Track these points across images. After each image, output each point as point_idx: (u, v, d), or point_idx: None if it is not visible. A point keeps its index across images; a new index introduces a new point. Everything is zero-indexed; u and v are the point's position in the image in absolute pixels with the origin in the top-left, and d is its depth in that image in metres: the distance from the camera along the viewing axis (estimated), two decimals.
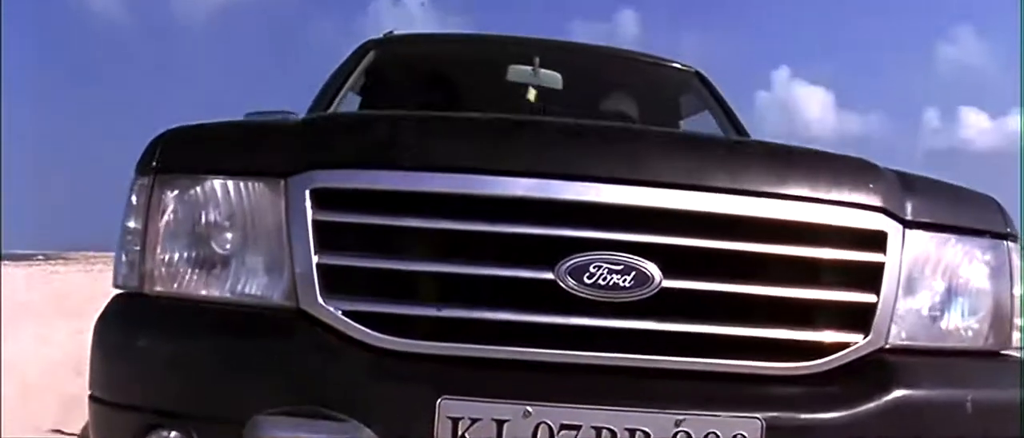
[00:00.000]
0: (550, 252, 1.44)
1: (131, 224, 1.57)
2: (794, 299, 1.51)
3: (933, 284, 1.62)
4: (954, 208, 1.68)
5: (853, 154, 1.71)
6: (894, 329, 1.56)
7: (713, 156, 1.60)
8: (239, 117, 2.94)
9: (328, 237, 1.47)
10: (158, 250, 1.54)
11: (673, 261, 1.46)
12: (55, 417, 4.19)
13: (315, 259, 1.45)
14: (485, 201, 1.46)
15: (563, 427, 1.37)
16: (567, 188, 1.47)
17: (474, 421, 1.37)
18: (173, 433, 1.45)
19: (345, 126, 1.66)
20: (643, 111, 3.60)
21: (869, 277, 1.55)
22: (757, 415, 1.41)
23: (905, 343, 1.58)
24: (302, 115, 3.01)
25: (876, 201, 1.57)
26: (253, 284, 1.51)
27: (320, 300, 1.45)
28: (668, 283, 1.45)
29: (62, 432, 3.93)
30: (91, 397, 1.54)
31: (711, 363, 1.48)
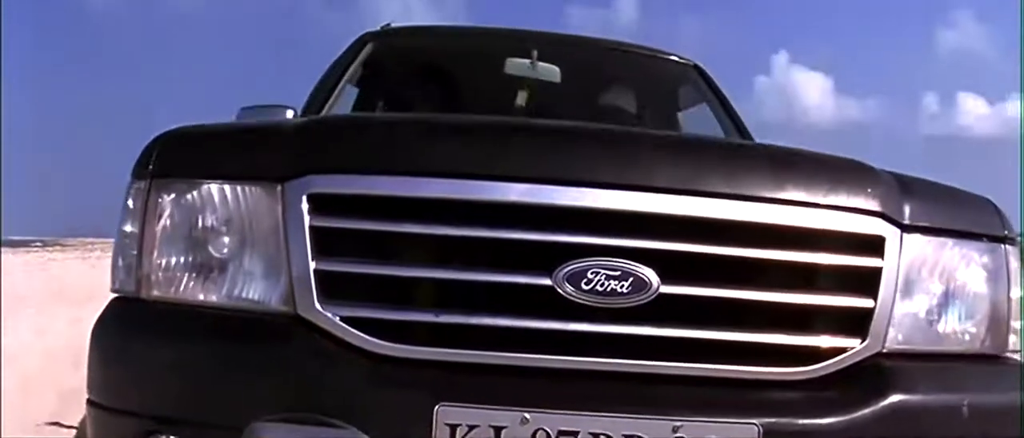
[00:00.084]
0: (548, 258, 1.44)
1: (128, 228, 1.57)
2: (792, 304, 1.51)
3: (930, 288, 1.62)
4: (951, 211, 1.68)
5: (851, 157, 1.72)
6: (891, 333, 1.56)
7: (710, 160, 1.60)
8: (236, 105, 2.95)
9: (325, 242, 1.46)
10: (155, 255, 1.54)
11: (671, 266, 1.46)
12: (53, 410, 4.20)
13: (312, 265, 1.45)
14: (482, 206, 1.46)
15: (561, 433, 1.37)
16: (564, 193, 1.47)
17: (472, 428, 1.37)
18: None
19: (342, 130, 1.65)
20: (641, 104, 3.59)
21: (867, 282, 1.55)
22: (754, 421, 1.41)
23: (902, 347, 1.58)
24: (299, 108, 3.03)
25: (874, 205, 1.57)
26: (250, 289, 1.51)
27: (317, 306, 1.45)
28: (665, 289, 1.45)
29: (61, 424, 3.93)
30: (89, 401, 1.55)
31: (708, 368, 1.48)
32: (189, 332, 1.51)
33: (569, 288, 1.43)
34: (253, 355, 1.47)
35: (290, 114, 2.89)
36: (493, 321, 1.45)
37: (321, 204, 1.47)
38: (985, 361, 1.66)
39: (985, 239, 1.67)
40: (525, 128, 1.75)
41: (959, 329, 1.64)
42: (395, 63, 3.51)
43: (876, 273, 1.55)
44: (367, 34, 3.47)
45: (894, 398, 1.49)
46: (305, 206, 1.47)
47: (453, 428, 1.36)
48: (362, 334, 1.44)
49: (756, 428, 1.40)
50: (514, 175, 1.47)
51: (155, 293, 1.54)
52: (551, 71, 3.31)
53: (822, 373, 1.51)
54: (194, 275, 1.53)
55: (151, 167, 1.57)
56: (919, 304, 1.61)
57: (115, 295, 1.60)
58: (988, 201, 1.75)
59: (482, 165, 1.48)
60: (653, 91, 3.65)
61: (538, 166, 1.48)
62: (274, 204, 1.49)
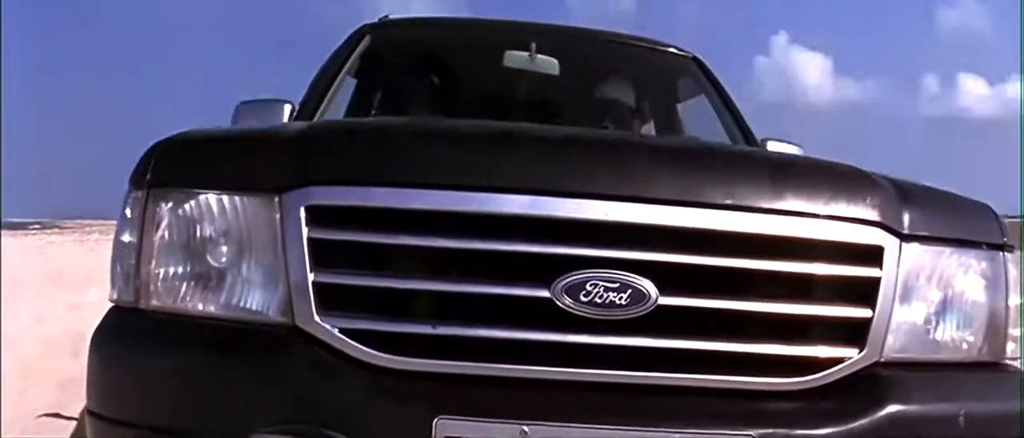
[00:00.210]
0: (546, 270, 1.44)
1: (125, 238, 1.57)
2: (790, 315, 1.51)
3: (929, 296, 1.63)
4: (950, 219, 1.68)
5: (851, 164, 1.72)
6: (889, 342, 1.56)
7: (709, 171, 1.60)
8: (234, 92, 2.94)
9: (323, 254, 1.46)
10: (153, 265, 1.54)
11: (669, 278, 1.46)
12: (52, 399, 4.20)
13: (310, 276, 1.45)
14: (481, 218, 1.46)
15: None
16: (562, 205, 1.47)
17: None
18: None
19: (340, 140, 1.65)
20: (640, 96, 3.59)
21: (865, 292, 1.55)
22: (752, 431, 1.42)
23: (900, 356, 1.58)
24: (297, 102, 3.02)
25: (873, 215, 1.57)
26: (249, 300, 1.51)
27: (316, 318, 1.45)
28: (664, 300, 1.45)
29: (60, 415, 3.94)
30: (89, 411, 1.55)
31: (707, 379, 1.48)
32: (188, 343, 1.51)
33: (568, 300, 1.43)
34: (252, 367, 1.47)
35: (288, 109, 2.89)
36: (491, 333, 1.45)
37: (319, 216, 1.47)
38: (983, 369, 1.67)
39: (984, 247, 1.67)
40: (523, 138, 1.74)
41: (957, 337, 1.64)
42: (393, 55, 3.50)
43: (875, 283, 1.55)
44: (365, 26, 3.46)
45: (891, 408, 1.50)
46: (303, 218, 1.46)
47: None
48: (360, 346, 1.44)
49: None
50: (513, 187, 1.47)
51: (153, 303, 1.54)
52: (550, 64, 3.30)
53: (820, 383, 1.52)
54: (192, 285, 1.53)
55: (148, 176, 1.57)
56: (917, 313, 1.61)
57: (113, 304, 1.60)
58: (987, 207, 1.75)
59: (481, 177, 1.48)
60: (652, 83, 3.65)
61: (536, 178, 1.48)
62: (272, 215, 1.49)
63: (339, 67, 3.23)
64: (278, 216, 1.49)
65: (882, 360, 1.56)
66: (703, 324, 1.48)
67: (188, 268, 1.54)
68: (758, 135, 3.26)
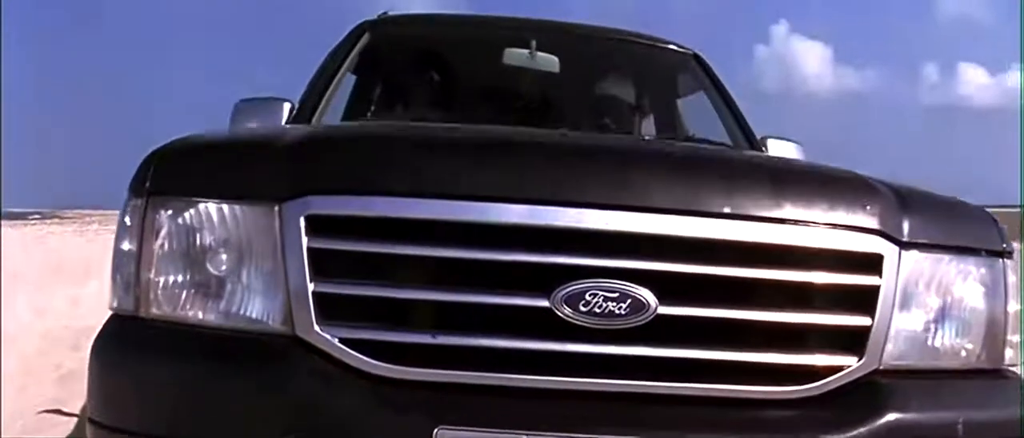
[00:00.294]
0: (545, 279, 1.44)
1: (125, 246, 1.57)
2: (789, 324, 1.51)
3: (928, 303, 1.63)
4: (950, 226, 1.68)
5: (851, 171, 1.72)
6: (888, 350, 1.57)
7: (709, 179, 1.59)
8: (233, 92, 2.92)
9: (323, 264, 1.46)
10: (152, 273, 1.54)
11: (669, 287, 1.46)
12: (52, 395, 4.22)
13: (310, 286, 1.45)
14: (480, 228, 1.46)
15: None
16: (562, 214, 1.46)
17: None
18: None
19: (339, 149, 1.64)
20: (640, 94, 3.59)
21: (864, 300, 1.55)
22: None
23: (898, 364, 1.58)
24: (296, 100, 3.01)
25: (873, 223, 1.57)
26: (249, 309, 1.51)
27: (316, 327, 1.45)
28: (664, 310, 1.45)
29: (61, 412, 3.95)
30: (90, 420, 1.55)
31: (706, 388, 1.48)
32: (188, 352, 1.51)
33: (567, 310, 1.44)
34: (252, 376, 1.47)
35: (287, 108, 2.88)
36: (491, 342, 1.45)
37: (319, 225, 1.47)
38: (982, 376, 1.67)
39: (983, 253, 1.67)
40: (523, 147, 1.74)
41: (956, 345, 1.65)
42: (393, 52, 3.48)
43: (874, 291, 1.55)
44: (365, 23, 3.44)
45: (890, 416, 1.50)
46: (303, 227, 1.46)
47: None
48: (360, 355, 1.44)
49: None
50: (512, 196, 1.47)
51: (153, 311, 1.54)
52: (549, 61, 3.29)
53: (819, 391, 1.52)
54: (192, 294, 1.53)
55: (148, 184, 1.56)
56: (916, 321, 1.62)
57: (113, 312, 1.60)
58: (986, 213, 1.75)
59: (480, 186, 1.48)
60: (652, 81, 3.63)
61: (536, 187, 1.48)
62: (271, 224, 1.49)
63: (339, 64, 3.21)
64: (278, 225, 1.48)
65: (881, 368, 1.56)
66: (702, 333, 1.48)
67: (188, 277, 1.53)
68: (758, 132, 3.26)
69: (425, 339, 1.46)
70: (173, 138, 1.68)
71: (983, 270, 1.67)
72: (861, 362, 1.54)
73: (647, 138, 2.91)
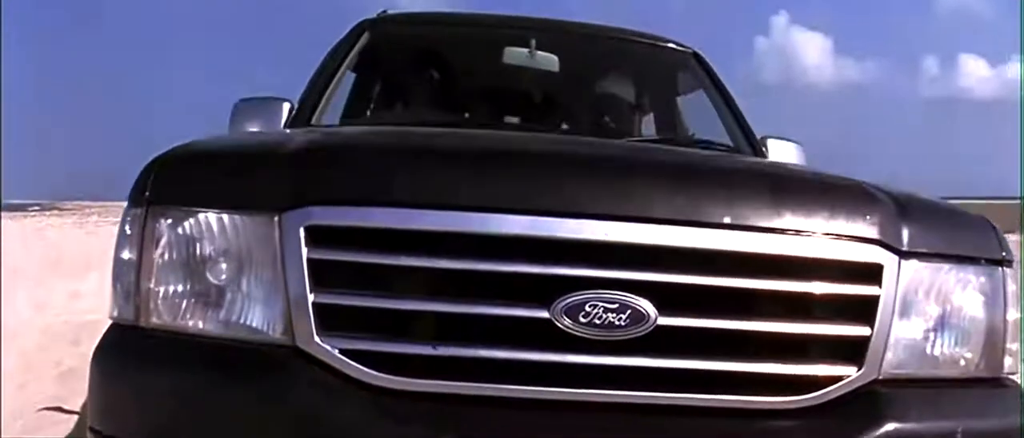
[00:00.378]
0: (545, 290, 1.44)
1: (125, 255, 1.56)
2: (789, 334, 1.51)
3: (927, 312, 1.62)
4: (949, 234, 1.68)
5: (852, 178, 1.71)
6: (887, 359, 1.57)
7: (709, 189, 1.59)
8: (232, 92, 2.90)
9: (323, 274, 1.46)
10: (152, 283, 1.54)
11: (669, 298, 1.46)
12: (53, 392, 4.22)
13: (310, 297, 1.45)
14: (480, 239, 1.46)
15: None
16: (562, 225, 1.46)
17: None
18: None
19: (339, 159, 1.64)
20: (640, 92, 3.59)
21: (864, 309, 1.55)
22: None
23: (898, 373, 1.58)
24: (296, 100, 3.00)
25: (873, 233, 1.56)
26: (249, 320, 1.51)
27: (316, 338, 1.45)
28: (663, 320, 1.45)
29: (62, 409, 3.95)
30: (90, 428, 1.55)
31: (706, 399, 1.48)
32: (187, 362, 1.51)
33: (567, 321, 1.43)
34: (252, 387, 1.47)
35: (287, 108, 2.87)
36: (491, 353, 1.45)
37: (319, 236, 1.46)
38: (981, 384, 1.67)
39: (982, 262, 1.67)
40: (523, 158, 1.73)
41: (955, 353, 1.64)
42: (392, 51, 3.48)
43: (874, 301, 1.55)
44: (365, 21, 3.44)
45: (890, 426, 1.50)
46: (302, 238, 1.46)
47: None
48: (361, 367, 1.44)
49: None
50: (512, 207, 1.46)
51: (153, 321, 1.54)
52: (549, 60, 3.29)
53: (819, 401, 1.52)
54: (192, 304, 1.53)
55: (147, 193, 1.56)
56: (916, 329, 1.61)
57: (113, 321, 1.59)
58: (986, 221, 1.75)
59: (480, 197, 1.48)
60: (652, 79, 3.63)
61: (536, 198, 1.48)
62: (271, 234, 1.49)
63: (338, 63, 3.20)
64: (278, 236, 1.48)
65: (880, 377, 1.56)
66: (702, 344, 1.48)
67: (188, 286, 1.53)
68: (758, 123, 3.26)
69: (425, 350, 1.45)
70: (173, 145, 1.67)
71: (982, 279, 1.67)
72: (861, 371, 1.54)
73: (647, 140, 2.89)
